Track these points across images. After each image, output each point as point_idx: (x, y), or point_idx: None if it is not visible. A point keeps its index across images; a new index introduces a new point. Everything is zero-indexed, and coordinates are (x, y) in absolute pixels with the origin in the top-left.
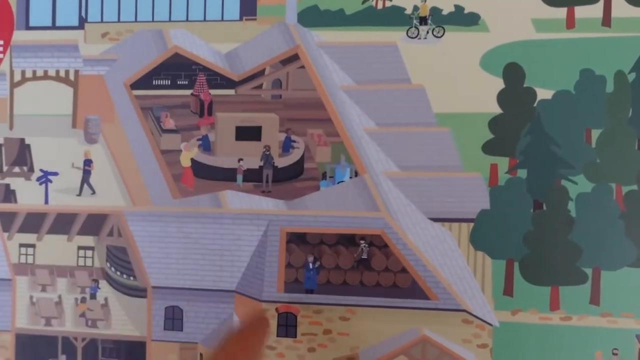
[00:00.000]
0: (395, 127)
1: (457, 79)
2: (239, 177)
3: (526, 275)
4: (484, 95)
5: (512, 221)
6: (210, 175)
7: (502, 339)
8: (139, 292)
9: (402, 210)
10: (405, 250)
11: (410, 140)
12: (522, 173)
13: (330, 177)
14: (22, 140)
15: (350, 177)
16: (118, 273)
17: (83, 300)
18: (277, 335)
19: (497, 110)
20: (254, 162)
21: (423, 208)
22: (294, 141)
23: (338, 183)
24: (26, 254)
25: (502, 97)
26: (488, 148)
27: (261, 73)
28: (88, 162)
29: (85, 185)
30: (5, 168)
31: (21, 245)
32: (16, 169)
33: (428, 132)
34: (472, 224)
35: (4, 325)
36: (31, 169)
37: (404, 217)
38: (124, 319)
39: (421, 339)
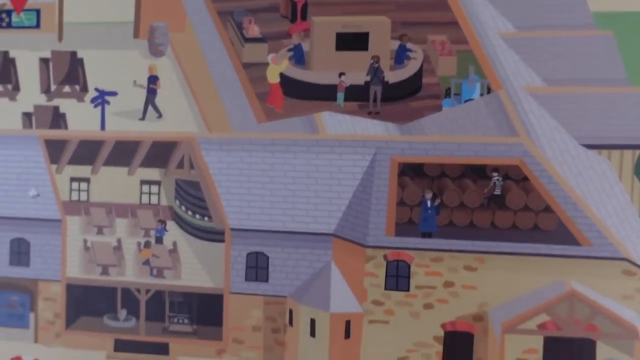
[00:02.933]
0: (540, 31)
1: None
2: (340, 96)
3: None
4: None
5: None
6: (304, 94)
7: None
8: (215, 235)
9: (548, 135)
10: (550, 184)
11: (560, 47)
12: None
13: (455, 94)
14: (74, 53)
15: (482, 94)
16: (189, 213)
17: (147, 244)
18: (386, 288)
19: None
20: (359, 77)
21: (575, 132)
22: (410, 50)
23: (465, 102)
24: (79, 190)
25: None
26: None
27: None
28: (153, 79)
29: (150, 107)
30: (53, 87)
31: (73, 179)
32: (66, 89)
33: (584, 37)
34: (639, 152)
35: (53, 275)
36: (84, 89)
37: (550, 144)
38: (196, 268)
39: (569, 295)
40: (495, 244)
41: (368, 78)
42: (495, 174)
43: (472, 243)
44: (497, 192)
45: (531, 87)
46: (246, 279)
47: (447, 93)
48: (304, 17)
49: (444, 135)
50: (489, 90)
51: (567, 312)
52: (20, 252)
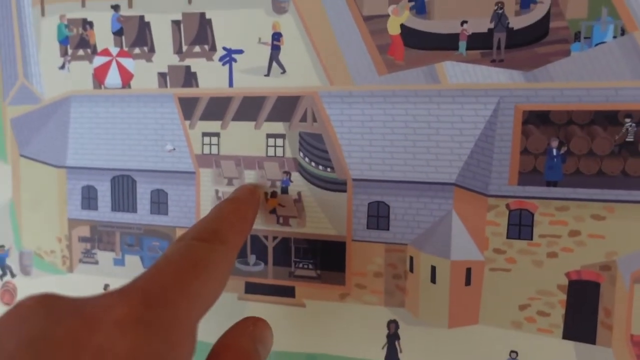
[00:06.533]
0: None
1: None
2: (462, 44)
3: None
4: None
5: None
6: (425, 44)
7: None
8: (337, 185)
9: None
10: None
11: None
12: None
13: (585, 37)
14: (202, 14)
15: (614, 37)
16: (313, 164)
17: (273, 194)
18: (508, 237)
19: None
20: (482, 24)
21: None
22: None
23: (596, 45)
24: (210, 144)
25: None
26: None
27: None
28: (277, 36)
29: (274, 64)
30: (185, 48)
31: (204, 134)
32: (197, 49)
33: None
34: None
35: (188, 222)
36: (213, 48)
37: None
38: (319, 216)
39: None
40: (627, 193)
41: (492, 25)
42: (628, 120)
43: (602, 191)
44: (630, 138)
45: None
46: (367, 227)
47: (577, 37)
48: None
49: (572, 82)
50: (622, 33)
51: None
52: (159, 202)
